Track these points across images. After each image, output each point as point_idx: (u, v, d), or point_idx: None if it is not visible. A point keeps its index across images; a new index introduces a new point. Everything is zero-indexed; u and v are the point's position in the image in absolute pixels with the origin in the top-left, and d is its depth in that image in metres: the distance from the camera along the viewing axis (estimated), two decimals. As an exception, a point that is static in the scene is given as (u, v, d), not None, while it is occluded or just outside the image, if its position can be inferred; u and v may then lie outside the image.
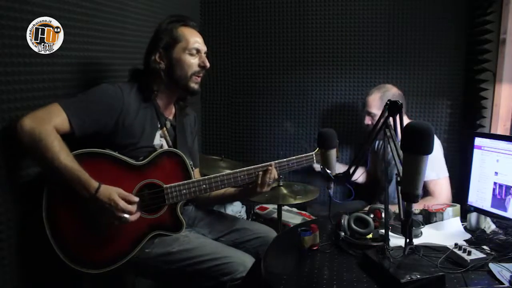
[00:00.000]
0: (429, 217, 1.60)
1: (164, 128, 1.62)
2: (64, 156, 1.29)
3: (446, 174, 2.14)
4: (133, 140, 1.50)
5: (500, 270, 1.20)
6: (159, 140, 1.59)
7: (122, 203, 1.34)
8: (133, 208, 1.37)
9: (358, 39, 2.70)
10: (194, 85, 1.59)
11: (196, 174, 1.87)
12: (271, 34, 2.83)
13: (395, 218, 1.53)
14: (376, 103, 2.22)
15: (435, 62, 2.60)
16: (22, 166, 1.36)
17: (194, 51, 1.56)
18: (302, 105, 2.85)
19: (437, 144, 2.18)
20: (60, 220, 1.37)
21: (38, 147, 1.27)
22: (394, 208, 1.44)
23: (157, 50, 1.54)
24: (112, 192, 1.34)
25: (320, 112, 2.83)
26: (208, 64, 1.58)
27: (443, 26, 2.55)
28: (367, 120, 2.29)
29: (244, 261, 1.51)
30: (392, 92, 2.22)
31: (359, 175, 2.52)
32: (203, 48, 1.60)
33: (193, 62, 1.56)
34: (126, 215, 1.35)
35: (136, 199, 1.39)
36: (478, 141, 1.54)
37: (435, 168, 2.10)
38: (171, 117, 1.68)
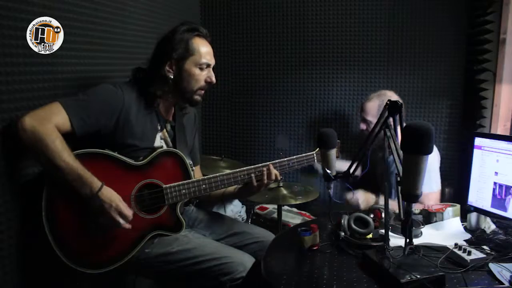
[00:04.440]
0: (429, 217, 1.60)
1: (164, 130, 1.63)
2: (66, 155, 1.29)
3: (439, 187, 2.11)
4: (133, 141, 1.50)
5: (500, 270, 1.20)
6: (159, 142, 1.59)
7: (122, 206, 1.35)
8: (130, 214, 1.38)
9: (358, 39, 2.70)
10: (198, 98, 1.62)
11: (197, 171, 1.87)
12: (271, 34, 2.83)
13: (395, 218, 1.53)
14: (373, 111, 2.15)
15: (435, 62, 2.60)
16: (22, 166, 1.35)
17: (204, 66, 1.58)
18: (302, 105, 2.85)
19: (436, 155, 2.15)
20: (60, 220, 1.37)
21: (39, 146, 1.27)
22: (394, 208, 1.44)
23: (170, 59, 1.54)
24: (114, 195, 1.35)
25: (320, 112, 2.83)
26: (214, 80, 1.62)
27: (443, 26, 2.55)
28: (362, 126, 2.24)
29: (244, 261, 1.50)
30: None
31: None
32: (213, 62, 1.62)
33: (201, 77, 1.58)
34: (121, 220, 1.35)
35: (131, 211, 1.40)
36: (478, 141, 1.54)
37: (430, 181, 2.06)
38: (170, 118, 1.68)
